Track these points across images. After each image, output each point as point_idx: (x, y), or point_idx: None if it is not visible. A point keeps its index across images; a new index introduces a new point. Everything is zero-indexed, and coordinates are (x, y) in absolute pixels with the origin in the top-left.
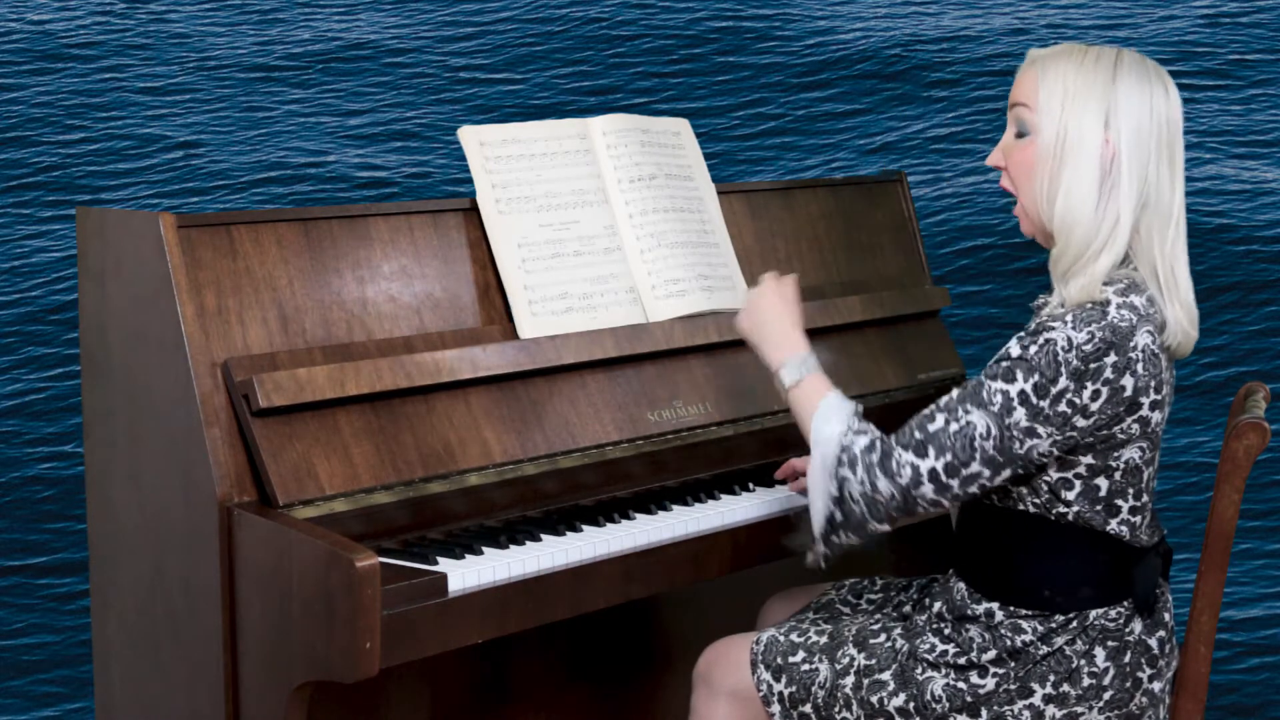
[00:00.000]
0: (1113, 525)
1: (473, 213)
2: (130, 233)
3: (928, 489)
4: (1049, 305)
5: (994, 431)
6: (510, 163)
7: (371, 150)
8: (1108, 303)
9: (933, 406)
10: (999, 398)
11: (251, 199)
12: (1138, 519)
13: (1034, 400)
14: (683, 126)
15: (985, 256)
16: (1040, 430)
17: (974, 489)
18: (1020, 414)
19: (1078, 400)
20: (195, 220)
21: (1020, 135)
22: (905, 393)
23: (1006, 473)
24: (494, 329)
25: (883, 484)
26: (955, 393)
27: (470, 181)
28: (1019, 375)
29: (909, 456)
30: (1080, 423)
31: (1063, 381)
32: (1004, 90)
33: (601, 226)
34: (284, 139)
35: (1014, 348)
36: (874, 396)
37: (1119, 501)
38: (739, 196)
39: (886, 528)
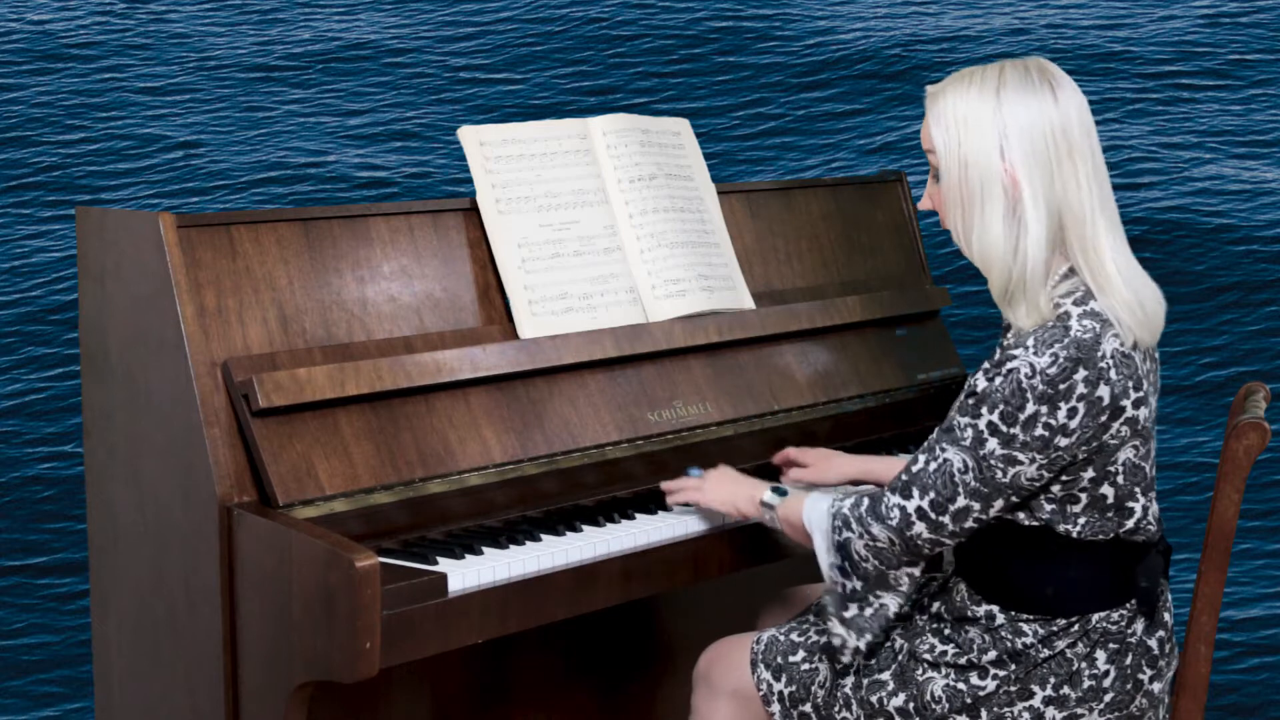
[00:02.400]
0: (1128, 526)
1: (473, 213)
2: (130, 233)
3: (920, 528)
4: (1012, 329)
5: (970, 465)
6: (510, 163)
7: (371, 150)
8: (1068, 316)
9: (917, 451)
10: (969, 433)
11: (251, 199)
12: (1149, 516)
13: (1004, 429)
14: (683, 126)
15: None
16: (1020, 456)
17: (969, 524)
18: (993, 444)
19: (1054, 421)
20: (195, 220)
21: (937, 178)
22: (905, 393)
23: (999, 503)
24: (494, 329)
25: (877, 529)
26: (935, 433)
27: (470, 181)
28: (984, 409)
29: (896, 499)
30: (1062, 441)
31: (1030, 407)
32: None
33: (601, 226)
34: (284, 139)
35: (980, 381)
36: (874, 396)
37: (1130, 504)
38: (739, 196)
39: (911, 573)
